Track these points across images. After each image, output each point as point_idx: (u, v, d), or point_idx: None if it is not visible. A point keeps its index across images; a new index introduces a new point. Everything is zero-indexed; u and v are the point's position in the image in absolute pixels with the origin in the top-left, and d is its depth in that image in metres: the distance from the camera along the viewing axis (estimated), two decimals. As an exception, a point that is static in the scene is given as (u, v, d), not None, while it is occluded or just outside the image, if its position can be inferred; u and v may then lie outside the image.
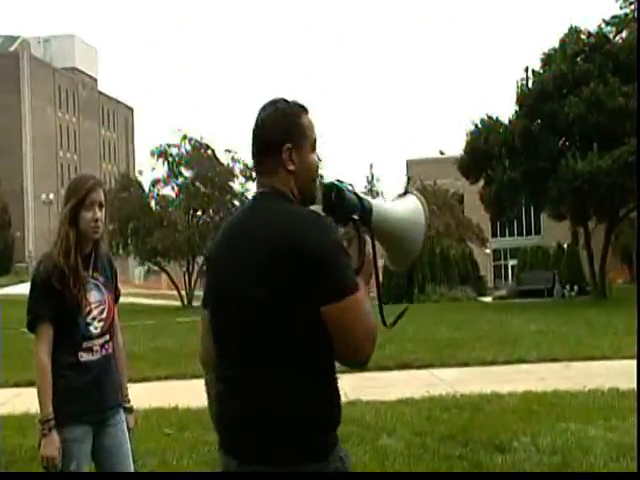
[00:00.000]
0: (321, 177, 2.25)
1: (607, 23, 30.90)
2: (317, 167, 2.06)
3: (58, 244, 2.89)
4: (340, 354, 1.89)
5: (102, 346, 2.98)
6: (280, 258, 1.85)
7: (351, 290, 1.85)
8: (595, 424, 6.30)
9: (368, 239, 2.02)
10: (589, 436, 5.90)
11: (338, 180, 2.06)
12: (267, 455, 1.88)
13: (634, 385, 8.03)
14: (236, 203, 39.20)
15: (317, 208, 2.04)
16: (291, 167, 1.99)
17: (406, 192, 2.21)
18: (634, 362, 10.38)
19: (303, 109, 2.06)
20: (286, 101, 2.05)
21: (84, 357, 2.92)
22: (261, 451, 1.89)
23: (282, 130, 1.99)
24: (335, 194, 2.01)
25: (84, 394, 2.91)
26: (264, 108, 2.05)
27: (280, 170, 1.99)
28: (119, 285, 3.16)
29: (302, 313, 1.86)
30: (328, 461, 1.88)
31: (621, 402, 7.27)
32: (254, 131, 2.04)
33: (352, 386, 8.78)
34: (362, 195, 2.07)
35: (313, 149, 2.05)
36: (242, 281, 1.91)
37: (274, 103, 2.04)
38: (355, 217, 2.01)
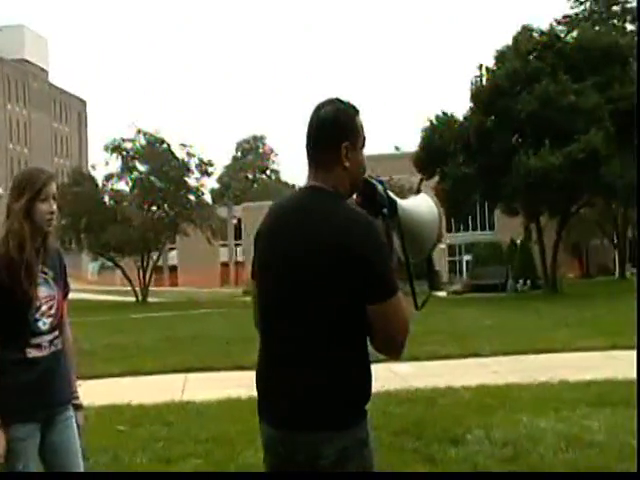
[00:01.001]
0: None
1: (558, 22, 31.44)
2: (364, 166, 2.21)
3: (10, 238, 2.82)
4: (380, 345, 2.11)
5: (51, 342, 2.92)
6: (339, 259, 2.04)
7: (395, 291, 2.07)
8: (545, 416, 6.41)
9: (392, 232, 2.24)
10: (540, 427, 6.00)
11: (377, 176, 2.29)
12: (308, 423, 2.08)
13: (583, 377, 8.21)
14: (191, 198, 38.91)
15: (351, 201, 2.22)
16: (347, 164, 2.14)
17: (419, 191, 2.50)
18: (584, 354, 10.61)
19: (357, 110, 2.21)
20: (342, 101, 2.19)
21: (32, 353, 2.86)
22: (306, 419, 2.08)
23: (341, 128, 2.13)
24: (371, 190, 2.25)
25: (31, 391, 2.85)
26: (322, 106, 2.17)
27: (337, 167, 2.14)
28: (69, 280, 3.10)
29: (349, 306, 2.05)
30: (359, 427, 2.11)
31: (571, 394, 7.41)
32: (311, 128, 2.17)
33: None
34: (390, 192, 2.29)
35: (363, 148, 2.20)
36: (300, 276, 2.09)
37: (332, 102, 2.18)
38: (385, 211, 2.23)
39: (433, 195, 2.49)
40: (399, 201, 2.33)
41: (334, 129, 2.13)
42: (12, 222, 2.84)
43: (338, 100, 2.20)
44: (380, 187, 2.28)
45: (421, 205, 2.44)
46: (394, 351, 2.15)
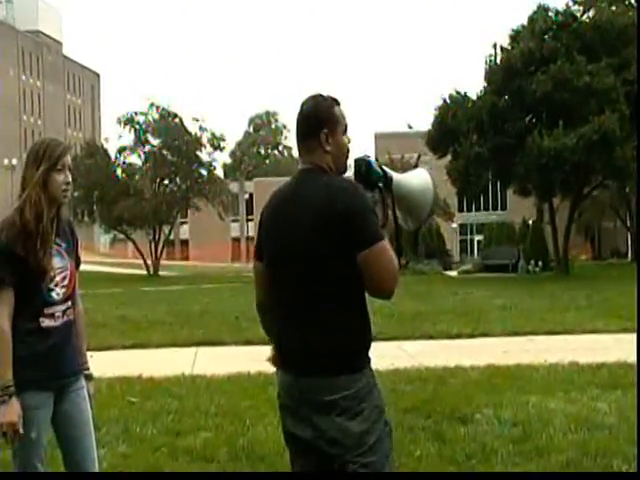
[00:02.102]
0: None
1: (574, 2, 31.02)
2: (347, 147, 2.57)
3: (27, 209, 2.82)
4: (372, 290, 2.43)
5: (64, 312, 2.93)
6: (328, 217, 2.39)
7: (380, 238, 2.40)
8: (555, 397, 6.41)
9: (388, 202, 2.58)
10: (549, 408, 6.00)
11: (366, 155, 2.62)
12: (323, 369, 2.42)
13: (593, 359, 8.20)
14: (203, 172, 38.91)
15: (349, 177, 2.53)
16: (328, 147, 2.52)
17: (416, 166, 2.66)
18: (595, 336, 10.60)
19: (335, 102, 2.59)
20: (322, 96, 2.60)
21: (45, 323, 2.88)
22: (320, 366, 2.43)
23: (319, 119, 2.53)
24: (365, 166, 2.57)
25: (45, 360, 2.86)
26: (306, 102, 2.59)
27: (319, 150, 2.52)
28: (80, 252, 3.10)
29: (345, 260, 2.39)
30: (362, 374, 2.45)
31: (580, 376, 7.41)
32: (298, 120, 2.58)
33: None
34: (385, 168, 2.59)
35: (344, 133, 2.57)
36: (301, 238, 2.44)
37: (314, 97, 2.60)
38: (380, 185, 2.56)
39: (428, 169, 2.77)
40: (394, 175, 2.62)
41: (313, 120, 2.54)
42: (30, 192, 2.84)
43: (319, 95, 2.60)
44: (373, 162, 2.59)
45: (415, 178, 2.70)
46: (384, 293, 2.44)
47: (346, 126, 2.59)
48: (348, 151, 2.59)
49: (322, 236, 2.41)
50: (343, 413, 2.40)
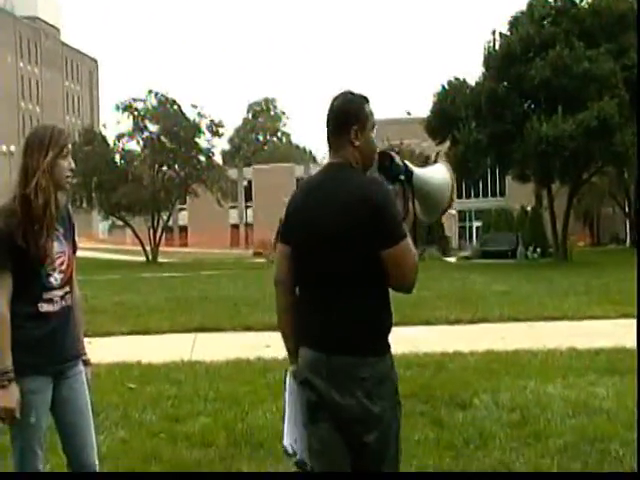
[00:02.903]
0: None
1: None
2: (375, 144, 2.68)
3: (36, 195, 2.81)
4: (395, 283, 2.59)
5: (62, 297, 2.93)
6: (360, 212, 2.51)
7: (405, 235, 2.54)
8: (553, 382, 6.43)
9: (409, 196, 2.71)
10: (547, 393, 6.02)
11: (389, 149, 2.75)
12: (365, 348, 2.58)
13: (591, 344, 8.21)
14: (202, 159, 38.84)
15: (374, 169, 2.68)
16: (357, 143, 2.63)
17: (436, 161, 2.74)
18: (593, 322, 10.62)
19: (365, 99, 2.70)
20: (353, 93, 2.70)
21: (44, 308, 2.87)
22: (344, 346, 2.57)
23: (350, 115, 2.63)
24: (388, 160, 2.69)
25: (44, 345, 2.86)
26: (337, 98, 2.68)
27: (349, 146, 2.63)
28: (76, 237, 3.10)
29: (371, 252, 2.52)
30: (384, 357, 2.62)
31: (579, 361, 7.43)
32: (329, 116, 2.68)
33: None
34: (407, 162, 2.72)
35: (372, 130, 2.67)
36: (332, 229, 2.56)
37: (344, 95, 2.70)
38: (402, 178, 2.69)
39: (447, 164, 2.85)
40: (415, 169, 2.73)
41: (345, 116, 2.64)
42: (38, 179, 2.82)
43: (350, 92, 2.70)
44: (397, 157, 2.71)
45: (435, 173, 2.81)
46: (406, 286, 2.60)
47: (374, 124, 2.71)
48: (376, 148, 2.70)
49: (352, 229, 2.53)
50: (365, 392, 2.55)
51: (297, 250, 2.69)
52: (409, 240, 2.55)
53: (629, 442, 4.64)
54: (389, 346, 2.66)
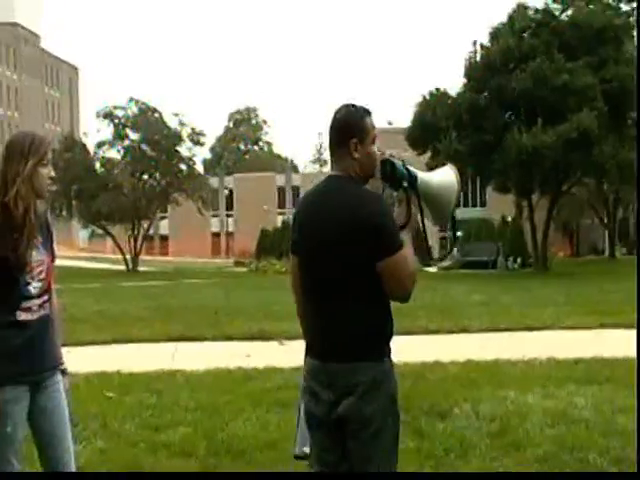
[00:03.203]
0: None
1: (554, 0, 31.20)
2: (375, 156, 2.72)
3: (15, 203, 2.79)
4: (391, 293, 2.64)
5: (40, 306, 2.91)
6: (356, 224, 2.59)
7: (399, 248, 2.59)
8: (532, 392, 6.46)
9: (413, 201, 2.76)
10: (527, 403, 6.05)
11: (391, 155, 2.77)
12: (347, 356, 2.65)
13: (571, 354, 8.27)
14: (183, 167, 38.74)
15: (377, 177, 2.73)
16: (356, 155, 2.68)
17: (444, 164, 2.91)
18: (573, 332, 10.69)
19: (366, 112, 2.74)
20: (354, 106, 2.75)
21: (22, 316, 2.85)
22: (344, 354, 2.65)
23: (350, 128, 2.69)
24: (389, 167, 2.72)
25: (22, 354, 2.84)
26: (339, 111, 2.74)
27: (347, 158, 2.69)
28: (55, 245, 3.08)
29: (368, 262, 2.59)
30: (380, 363, 2.67)
31: (558, 371, 7.47)
32: (330, 128, 2.74)
33: (297, 352, 8.84)
34: (410, 167, 2.75)
35: (373, 142, 2.72)
36: (331, 240, 2.64)
37: (346, 107, 2.75)
38: (404, 184, 2.72)
39: (453, 167, 2.87)
40: (419, 174, 2.77)
41: (344, 129, 2.69)
42: (18, 187, 2.81)
43: (352, 105, 2.75)
44: (399, 163, 2.73)
45: (441, 176, 2.84)
46: (402, 296, 2.65)
47: (375, 137, 2.75)
48: (376, 160, 2.73)
49: (349, 240, 2.61)
50: (360, 397, 2.62)
51: (301, 260, 2.82)
52: (406, 250, 2.61)
53: (607, 451, 4.68)
54: (388, 352, 2.71)
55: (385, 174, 2.74)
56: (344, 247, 2.62)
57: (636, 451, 3.53)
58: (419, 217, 2.78)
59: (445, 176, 2.84)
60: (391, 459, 2.71)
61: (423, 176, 2.79)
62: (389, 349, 2.72)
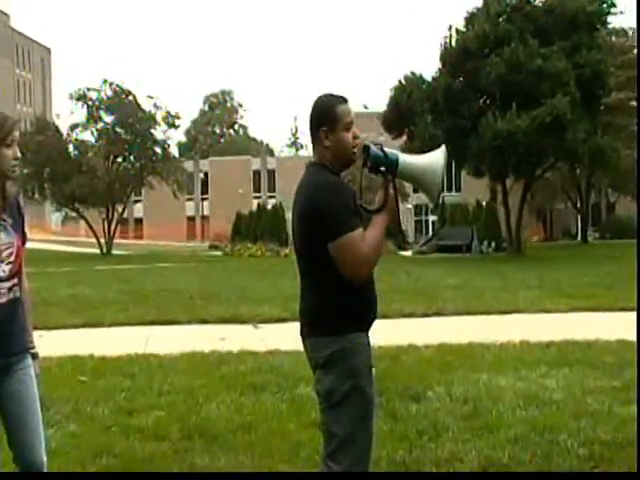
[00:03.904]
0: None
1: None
2: (349, 143, 2.81)
3: None
4: (343, 274, 2.74)
5: (9, 289, 2.86)
6: (304, 212, 2.79)
7: (343, 232, 2.70)
8: (505, 374, 6.52)
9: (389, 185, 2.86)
10: (499, 386, 6.11)
11: (372, 142, 2.85)
12: (312, 332, 2.85)
13: (543, 337, 8.35)
14: (157, 150, 38.41)
15: (358, 163, 2.86)
16: (327, 143, 2.81)
17: (439, 145, 2.98)
18: (545, 315, 10.80)
19: (338, 100, 2.84)
20: (327, 95, 2.87)
21: (-9, 300, 2.81)
22: (309, 330, 2.87)
23: (320, 116, 2.82)
24: (366, 152, 2.81)
25: (-9, 338, 2.80)
26: (314, 100, 2.87)
27: (320, 146, 2.83)
28: (26, 228, 3.03)
29: (322, 247, 2.74)
30: (338, 338, 2.78)
31: (530, 353, 7.54)
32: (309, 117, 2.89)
33: (272, 336, 8.84)
34: (389, 151, 2.83)
35: (346, 130, 2.81)
36: (295, 227, 2.87)
37: (320, 96, 2.87)
38: (382, 169, 2.81)
39: (444, 148, 2.92)
40: (403, 158, 2.83)
41: (315, 117, 2.84)
42: None
43: (325, 94, 2.87)
44: (374, 149, 2.80)
45: (427, 159, 2.89)
46: (351, 278, 2.75)
47: (349, 123, 2.82)
48: (349, 147, 2.81)
49: (302, 225, 2.81)
50: (322, 371, 2.81)
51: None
52: (352, 235, 2.70)
53: (577, 432, 4.75)
54: (351, 328, 2.80)
55: (363, 160, 2.82)
56: (300, 232, 2.83)
57: (636, 451, 3.57)
58: (394, 203, 2.86)
59: (431, 157, 2.89)
60: (356, 435, 2.77)
61: (409, 159, 2.85)
62: (356, 326, 2.82)
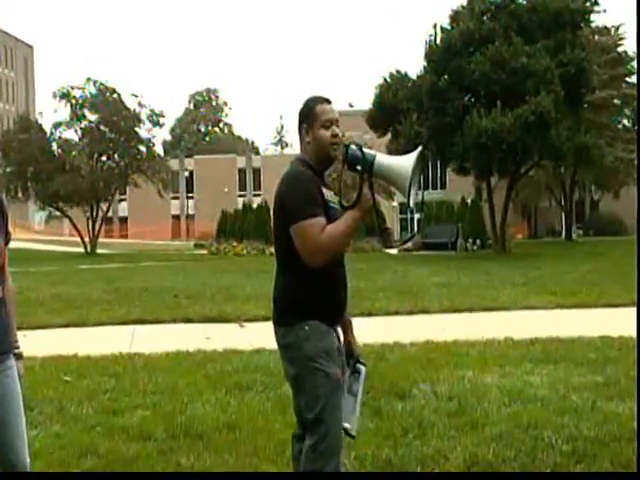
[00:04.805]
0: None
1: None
2: (326, 140, 2.98)
3: None
4: (302, 258, 2.89)
5: (-7, 289, 2.84)
6: (274, 202, 3.00)
7: (302, 219, 2.86)
8: (490, 372, 6.54)
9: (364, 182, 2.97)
10: (484, 383, 6.13)
11: (354, 143, 3.01)
12: (274, 321, 3.04)
13: (527, 334, 8.39)
14: (142, 149, 38.26)
15: (339, 162, 2.99)
16: (307, 139, 3.03)
17: (419, 145, 3.13)
18: (530, 312, 10.85)
19: (320, 100, 3.04)
20: (313, 96, 3.07)
21: (-26, 300, 2.78)
22: (273, 318, 3.06)
23: (301, 116, 3.04)
24: (345, 151, 2.93)
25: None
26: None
27: (303, 142, 3.05)
28: (9, 227, 3.00)
29: (287, 237, 2.93)
30: (293, 328, 2.95)
31: (515, 350, 7.58)
32: None
33: (257, 334, 8.82)
34: (367, 152, 2.93)
35: (324, 127, 2.99)
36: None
37: (307, 97, 3.07)
38: (358, 168, 2.92)
39: (417, 152, 2.98)
40: (380, 158, 2.93)
41: (299, 116, 3.05)
42: None
43: (316, 96, 3.07)
44: (352, 149, 2.92)
45: (399, 160, 2.97)
46: (307, 263, 2.89)
47: (329, 121, 2.99)
48: (327, 144, 2.98)
49: (273, 217, 3.02)
50: (285, 358, 3.02)
51: None
52: (307, 223, 2.85)
53: (561, 428, 4.77)
54: (304, 320, 2.94)
55: (343, 159, 2.95)
56: (273, 223, 3.04)
57: (636, 451, 3.59)
58: (368, 200, 2.96)
59: (404, 160, 2.96)
60: (323, 413, 2.90)
61: (384, 160, 2.94)
62: (312, 316, 2.95)
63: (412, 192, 2.94)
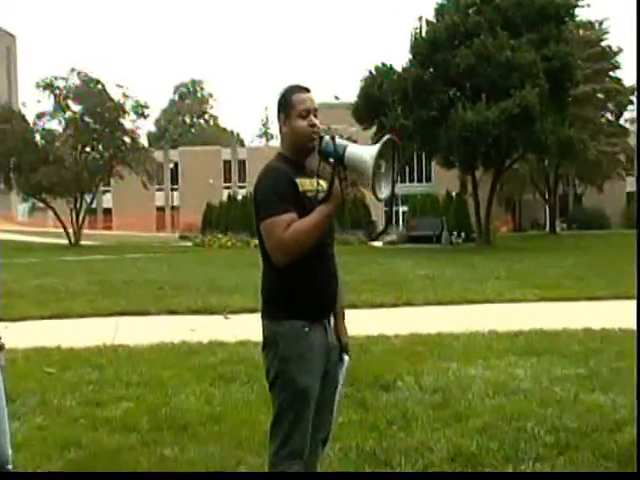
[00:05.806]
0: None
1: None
2: (302, 130, 2.86)
3: None
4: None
5: (-27, 281, 2.82)
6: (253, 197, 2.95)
7: (269, 215, 2.79)
8: (474, 364, 6.57)
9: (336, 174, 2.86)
10: (468, 375, 6.15)
11: (328, 133, 2.91)
12: (262, 314, 2.98)
13: (511, 327, 8.43)
14: (126, 140, 38.03)
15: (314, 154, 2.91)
16: (284, 129, 2.92)
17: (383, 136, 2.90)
18: (514, 305, 10.90)
19: (297, 89, 2.91)
20: (291, 84, 2.95)
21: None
22: (262, 311, 2.99)
23: (279, 106, 2.93)
24: (318, 143, 2.83)
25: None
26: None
27: (281, 132, 2.95)
28: None
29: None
30: (272, 324, 2.91)
31: (499, 343, 7.61)
32: None
33: (242, 326, 8.81)
34: (339, 142, 2.80)
35: (301, 117, 2.87)
36: None
37: (285, 86, 2.95)
38: (330, 160, 2.80)
39: (387, 139, 2.81)
40: (349, 148, 2.78)
41: (277, 106, 2.94)
42: None
43: (293, 84, 2.95)
44: (326, 140, 2.80)
45: (365, 151, 2.81)
46: (274, 261, 2.83)
47: (306, 110, 2.86)
48: (303, 134, 2.86)
49: (254, 210, 2.93)
50: (263, 351, 2.98)
51: None
52: (274, 220, 2.77)
53: (544, 419, 4.80)
54: (286, 314, 2.89)
55: (318, 151, 2.86)
56: (254, 217, 2.97)
57: (636, 451, 3.61)
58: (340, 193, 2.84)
59: (370, 149, 2.77)
60: (282, 419, 2.86)
61: (353, 150, 2.78)
62: (293, 314, 2.88)
63: (382, 185, 2.79)
